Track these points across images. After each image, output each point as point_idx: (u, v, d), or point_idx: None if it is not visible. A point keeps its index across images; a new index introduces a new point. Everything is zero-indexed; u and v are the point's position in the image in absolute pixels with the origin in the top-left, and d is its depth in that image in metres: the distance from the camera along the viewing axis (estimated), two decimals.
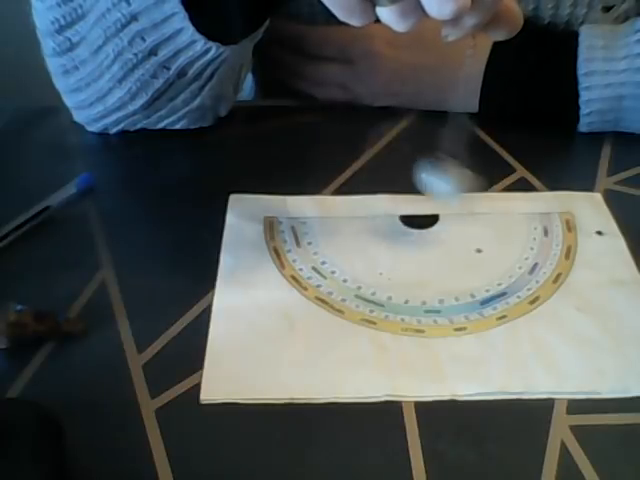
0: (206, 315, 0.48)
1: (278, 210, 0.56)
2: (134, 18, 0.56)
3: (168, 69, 0.58)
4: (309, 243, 0.53)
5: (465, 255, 0.52)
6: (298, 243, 0.54)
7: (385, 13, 0.39)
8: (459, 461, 0.40)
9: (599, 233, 0.54)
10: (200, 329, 0.47)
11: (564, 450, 0.40)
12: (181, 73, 0.58)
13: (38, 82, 0.64)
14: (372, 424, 0.42)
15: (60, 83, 0.64)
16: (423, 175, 0.51)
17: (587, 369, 0.44)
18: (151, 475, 0.39)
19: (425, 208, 0.56)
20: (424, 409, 0.42)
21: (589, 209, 0.56)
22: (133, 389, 0.44)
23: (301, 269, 0.51)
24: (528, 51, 0.63)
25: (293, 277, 0.51)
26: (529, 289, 0.49)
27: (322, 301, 0.49)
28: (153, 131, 0.64)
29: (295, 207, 0.57)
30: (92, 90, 0.62)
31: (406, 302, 0.49)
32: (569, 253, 0.52)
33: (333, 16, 0.40)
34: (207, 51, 0.56)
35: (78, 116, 0.66)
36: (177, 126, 0.64)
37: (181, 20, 0.54)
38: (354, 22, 0.40)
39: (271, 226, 0.55)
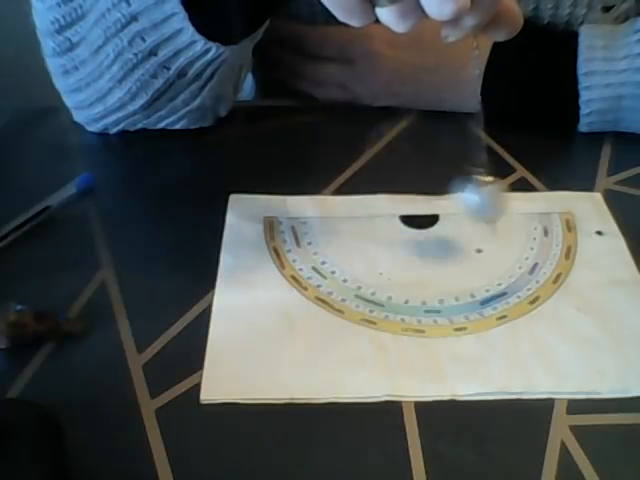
0: (206, 315, 0.48)
1: (278, 210, 0.56)
2: (134, 18, 0.56)
3: (168, 69, 0.58)
4: (309, 243, 0.53)
5: (465, 255, 0.52)
6: (298, 243, 0.54)
7: (384, 14, 0.39)
8: (459, 461, 0.40)
9: (599, 233, 0.54)
10: (200, 329, 0.47)
11: (564, 450, 0.40)
12: (181, 73, 0.59)
13: (38, 82, 0.64)
14: (372, 424, 0.42)
15: (60, 83, 0.64)
16: (463, 194, 0.50)
17: (587, 369, 0.44)
18: (151, 475, 0.39)
19: (425, 208, 0.56)
20: (424, 409, 0.42)
21: (589, 209, 0.56)
22: (133, 389, 0.44)
23: (301, 269, 0.51)
24: (528, 51, 0.63)
25: (293, 277, 0.51)
26: (529, 289, 0.49)
27: (322, 301, 0.49)
28: (153, 131, 0.65)
29: (295, 207, 0.57)
30: (92, 90, 0.62)
31: (406, 302, 0.49)
32: (569, 253, 0.52)
33: (333, 16, 0.40)
34: (207, 51, 0.56)
35: (78, 116, 0.66)
36: (177, 126, 0.64)
37: (181, 20, 0.54)
38: (354, 23, 0.40)
39: (271, 226, 0.55)
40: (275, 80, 0.73)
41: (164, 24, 0.55)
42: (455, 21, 0.40)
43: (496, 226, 0.51)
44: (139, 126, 0.64)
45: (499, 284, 0.50)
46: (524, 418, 0.42)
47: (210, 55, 0.56)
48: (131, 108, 0.62)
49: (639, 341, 0.46)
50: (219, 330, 0.47)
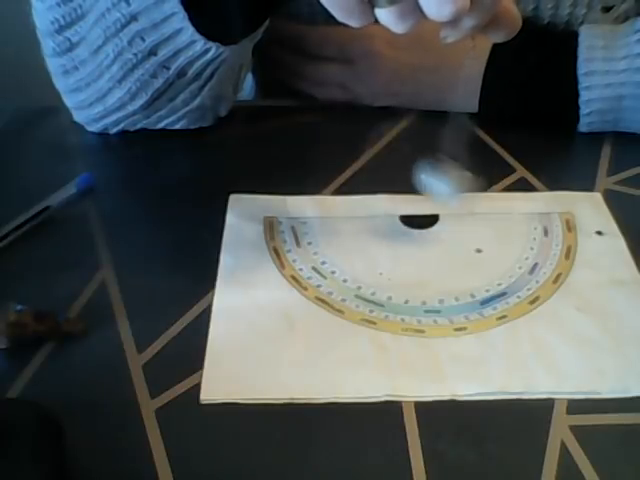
0: (206, 315, 0.48)
1: (278, 210, 0.56)
2: (134, 18, 0.56)
3: (168, 69, 0.58)
4: (309, 243, 0.53)
5: (465, 255, 0.52)
6: (298, 243, 0.54)
7: (384, 14, 0.39)
8: (459, 461, 0.40)
9: (599, 233, 0.54)
10: (200, 329, 0.47)
11: (564, 450, 0.40)
12: (181, 73, 0.59)
13: (38, 82, 0.64)
14: (372, 424, 0.42)
15: (60, 83, 0.64)
16: (422, 176, 0.51)
17: (587, 369, 0.44)
18: (151, 475, 0.39)
19: (425, 208, 0.56)
20: (424, 409, 0.42)
21: (589, 209, 0.56)
22: (133, 389, 0.44)
23: (301, 269, 0.51)
24: (528, 51, 0.63)
25: (293, 277, 0.51)
26: (529, 289, 0.49)
27: (322, 301, 0.49)
28: (153, 131, 0.65)
29: (295, 207, 0.57)
30: (92, 90, 0.62)
31: (406, 302, 0.49)
32: (569, 253, 0.52)
33: (333, 16, 0.40)
34: (207, 51, 0.56)
35: (78, 116, 0.66)
36: (177, 126, 0.64)
37: (181, 20, 0.54)
38: (353, 23, 0.40)
39: (271, 226, 0.55)
40: (275, 80, 0.73)
41: (164, 24, 0.55)
42: (454, 22, 0.40)
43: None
44: (139, 126, 0.64)
45: (499, 284, 0.50)
46: (524, 418, 0.42)
47: (210, 55, 0.56)
48: (131, 108, 0.62)
49: (639, 341, 0.46)
50: (219, 330, 0.47)
